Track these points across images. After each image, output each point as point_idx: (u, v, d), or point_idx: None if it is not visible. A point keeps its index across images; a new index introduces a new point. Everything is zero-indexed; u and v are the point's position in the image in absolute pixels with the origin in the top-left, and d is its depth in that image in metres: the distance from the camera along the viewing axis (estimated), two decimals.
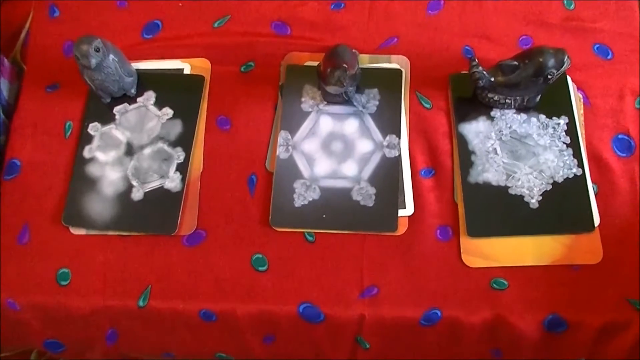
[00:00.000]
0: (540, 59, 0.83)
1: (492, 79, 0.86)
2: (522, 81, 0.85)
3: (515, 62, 0.85)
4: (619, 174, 0.88)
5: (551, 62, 0.83)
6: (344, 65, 0.83)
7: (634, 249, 0.84)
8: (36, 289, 0.84)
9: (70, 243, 0.86)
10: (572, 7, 0.99)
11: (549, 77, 0.84)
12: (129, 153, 0.90)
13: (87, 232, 0.87)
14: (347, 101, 0.91)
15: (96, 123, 0.92)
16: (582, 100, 0.92)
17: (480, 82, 0.86)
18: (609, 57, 0.96)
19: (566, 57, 0.83)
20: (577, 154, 0.88)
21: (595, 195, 0.87)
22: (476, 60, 0.86)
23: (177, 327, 0.85)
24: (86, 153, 0.90)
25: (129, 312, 0.84)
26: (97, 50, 0.84)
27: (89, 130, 0.91)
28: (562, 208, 0.85)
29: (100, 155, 0.90)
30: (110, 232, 0.86)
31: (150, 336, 0.86)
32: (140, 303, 0.83)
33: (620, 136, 0.90)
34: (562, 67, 0.84)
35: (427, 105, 0.93)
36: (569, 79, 0.92)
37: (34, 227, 0.87)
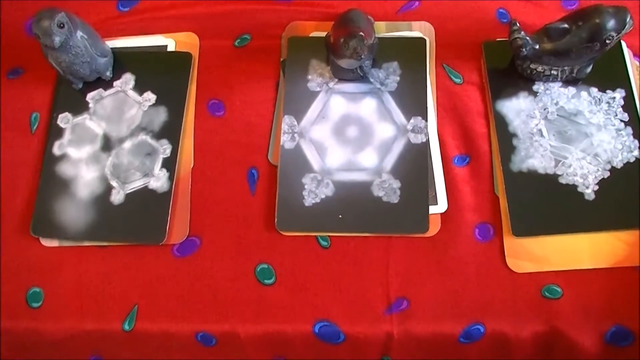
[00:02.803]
0: (597, 20, 0.76)
1: (537, 46, 0.79)
2: (574, 47, 0.78)
3: (566, 25, 0.78)
4: None
5: (611, 23, 0.75)
6: (360, 33, 0.76)
7: None
8: (4, 312, 0.79)
9: (41, 257, 0.81)
10: None
11: (607, 41, 0.76)
12: (106, 148, 0.84)
13: (61, 244, 0.81)
14: (362, 77, 0.85)
15: (67, 113, 0.86)
16: (639, 69, 0.85)
17: (523, 50, 0.79)
18: None
19: (629, 17, 0.75)
20: (637, 134, 0.81)
21: None
22: (517, 24, 0.79)
23: (171, 353, 0.79)
24: (56, 149, 0.85)
25: (113, 337, 0.78)
26: (61, 26, 0.78)
27: (58, 122, 0.86)
28: (622, 199, 0.79)
29: (73, 152, 0.84)
30: (88, 243, 0.81)
31: None
32: (126, 326, 0.77)
33: None
34: (623, 29, 0.76)
35: (457, 80, 0.86)
36: (623, 44, 0.85)
37: None
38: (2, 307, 0.78)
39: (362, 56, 0.77)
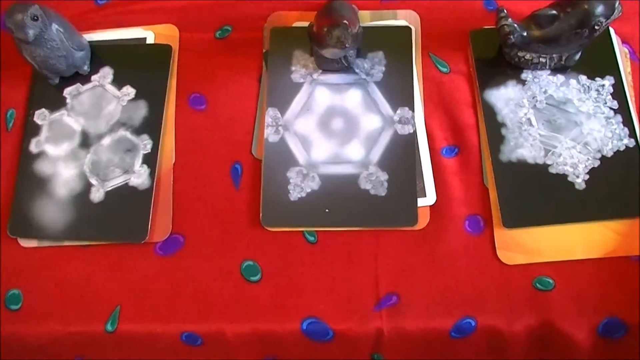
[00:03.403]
0: (586, 6, 0.75)
1: (525, 34, 0.78)
2: (562, 34, 0.77)
3: (554, 11, 0.77)
4: None
5: (599, 8, 0.75)
6: (344, 22, 0.75)
7: None
8: None
9: (19, 258, 0.79)
10: None
11: (596, 27, 0.76)
12: (84, 145, 0.83)
13: (40, 244, 0.80)
14: (347, 68, 0.84)
15: (43, 110, 0.85)
16: (628, 55, 0.85)
17: (511, 37, 0.78)
18: None
19: (617, 3, 0.75)
20: (627, 122, 0.80)
21: None
22: (505, 11, 0.78)
23: (156, 354, 0.77)
24: (33, 147, 0.83)
25: (96, 339, 0.76)
26: (35, 18, 0.77)
27: (35, 119, 0.84)
28: (613, 188, 0.78)
29: (51, 149, 0.83)
30: (68, 243, 0.79)
31: None
32: (109, 327, 0.76)
33: None
34: (612, 14, 0.75)
35: (444, 69, 0.85)
36: (612, 31, 0.84)
37: None
38: None
39: (347, 45, 0.76)
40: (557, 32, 0.77)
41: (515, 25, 0.77)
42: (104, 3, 0.90)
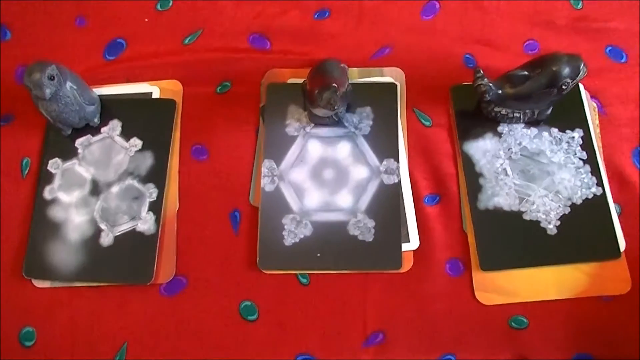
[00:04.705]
0: (554, 68, 0.77)
1: (500, 92, 0.80)
2: (534, 93, 0.79)
3: (526, 72, 0.79)
4: None
5: (566, 70, 0.77)
6: (333, 85, 0.77)
7: None
8: None
9: (33, 297, 0.81)
10: (579, 6, 0.93)
11: (564, 87, 0.78)
12: (94, 192, 0.84)
13: (52, 285, 0.81)
14: (337, 122, 0.85)
15: (57, 159, 0.86)
16: (596, 109, 0.86)
17: (487, 95, 0.80)
18: (623, 60, 0.90)
19: (582, 65, 0.77)
20: (595, 171, 0.82)
21: (619, 216, 0.81)
22: (481, 71, 0.80)
23: None
24: (47, 194, 0.84)
25: None
26: (52, 78, 0.78)
27: (49, 167, 0.86)
28: (583, 233, 0.80)
29: (63, 196, 0.84)
30: (78, 284, 0.81)
31: None
32: None
33: None
34: (578, 75, 0.77)
35: (427, 123, 0.87)
36: (581, 86, 0.86)
37: None
38: None
39: (336, 108, 0.78)
40: (529, 90, 0.78)
41: (491, 84, 0.79)
42: (113, 59, 0.91)
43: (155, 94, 0.90)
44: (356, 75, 0.88)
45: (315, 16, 0.93)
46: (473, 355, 0.77)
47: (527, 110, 0.83)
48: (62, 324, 0.79)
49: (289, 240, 0.80)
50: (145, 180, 0.84)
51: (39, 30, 0.94)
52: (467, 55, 0.90)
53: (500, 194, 0.81)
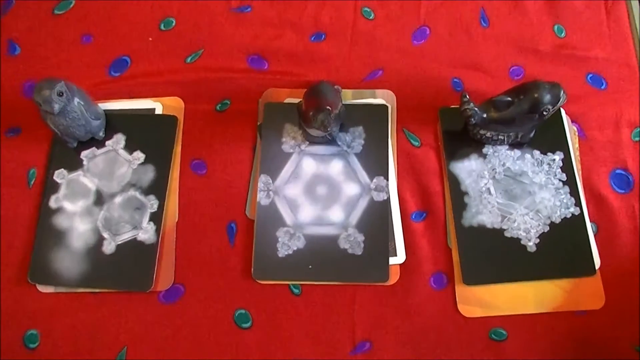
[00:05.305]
0: (536, 95, 0.80)
1: (485, 115, 0.83)
2: (517, 117, 0.82)
3: (509, 98, 0.82)
4: (618, 211, 0.86)
5: (547, 97, 0.80)
6: (327, 107, 0.79)
7: (638, 292, 0.82)
8: (2, 353, 0.80)
9: (38, 302, 0.83)
10: (563, 34, 0.97)
11: (545, 113, 0.81)
12: (98, 202, 0.86)
13: (56, 290, 0.83)
14: (330, 141, 0.88)
15: (62, 170, 0.88)
16: (577, 133, 0.90)
17: (472, 119, 0.83)
18: (603, 87, 0.93)
19: (562, 92, 0.80)
20: (574, 192, 0.86)
21: (595, 235, 0.85)
22: (467, 96, 0.83)
23: None
24: (52, 203, 0.86)
25: None
26: (60, 94, 0.80)
27: (54, 177, 0.88)
28: (561, 251, 0.83)
29: (68, 205, 0.86)
30: (81, 289, 0.83)
31: None
32: None
33: (618, 171, 0.88)
34: (558, 102, 0.81)
35: (416, 143, 0.90)
36: (562, 111, 0.90)
37: None
38: (1, 348, 0.80)
39: (329, 128, 0.80)
40: (512, 115, 0.81)
41: (476, 109, 0.82)
42: (117, 75, 0.93)
43: (158, 110, 0.92)
44: (350, 97, 0.91)
45: (311, 39, 0.96)
46: None
47: (511, 133, 0.86)
48: (65, 328, 0.81)
49: (282, 252, 0.83)
50: (147, 192, 0.86)
51: (46, 47, 0.96)
52: (455, 79, 0.93)
53: (484, 212, 0.84)
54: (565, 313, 0.81)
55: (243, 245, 0.84)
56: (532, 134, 0.87)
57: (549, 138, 0.88)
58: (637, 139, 0.90)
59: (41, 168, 0.89)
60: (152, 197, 0.86)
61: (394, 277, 0.82)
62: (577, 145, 0.89)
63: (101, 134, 0.89)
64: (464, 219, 0.84)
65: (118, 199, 0.86)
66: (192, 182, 0.88)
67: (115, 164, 0.88)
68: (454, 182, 0.86)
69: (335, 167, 0.87)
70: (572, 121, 0.90)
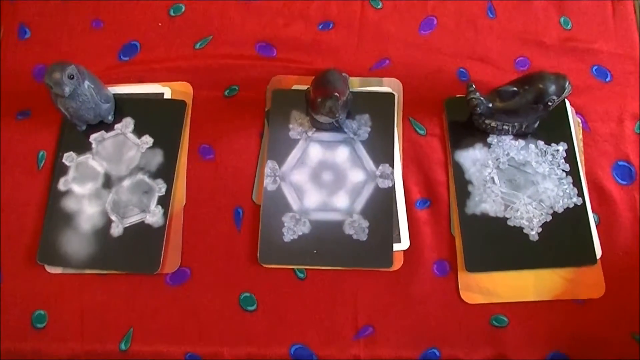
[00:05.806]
0: (541, 85, 0.81)
1: (490, 105, 0.84)
2: (521, 107, 0.83)
3: (514, 88, 0.83)
4: (620, 203, 0.87)
5: (552, 88, 0.81)
6: (335, 94, 0.80)
7: (637, 282, 0.83)
8: (11, 333, 0.81)
9: (46, 283, 0.83)
10: (569, 26, 0.97)
11: (549, 103, 0.82)
12: (107, 185, 0.87)
13: (64, 271, 0.84)
14: (337, 128, 0.89)
15: (71, 153, 0.89)
16: (581, 125, 0.91)
17: (478, 109, 0.83)
18: (607, 79, 0.94)
19: (567, 83, 0.81)
20: (576, 183, 0.86)
21: (597, 225, 0.85)
22: (473, 85, 0.84)
23: None
24: (61, 186, 0.87)
25: (111, 357, 0.81)
26: (71, 77, 0.81)
27: (63, 160, 0.88)
28: (562, 240, 0.84)
29: (77, 188, 0.87)
30: (89, 271, 0.84)
31: None
32: (122, 346, 0.81)
33: (620, 163, 0.89)
34: (562, 93, 0.81)
35: (421, 132, 0.91)
36: (567, 103, 0.90)
37: (7, 267, 0.84)
38: (10, 327, 0.81)
39: (336, 115, 0.81)
40: (517, 105, 0.82)
41: (482, 98, 0.82)
42: (127, 60, 0.94)
43: (167, 95, 0.92)
44: (357, 85, 0.92)
45: (320, 27, 0.97)
46: (456, 350, 0.80)
47: (516, 123, 0.87)
48: (72, 309, 0.82)
49: (288, 237, 0.84)
50: (155, 175, 0.87)
51: (57, 31, 0.97)
52: (461, 69, 0.94)
53: (487, 201, 0.85)
54: (566, 301, 0.82)
55: (249, 229, 0.85)
56: (536, 125, 0.88)
57: (553, 129, 0.89)
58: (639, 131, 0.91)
59: (50, 151, 0.90)
60: (160, 180, 0.87)
61: (397, 264, 0.83)
62: (580, 136, 0.89)
63: (110, 117, 0.90)
64: (468, 208, 0.85)
65: (126, 182, 0.87)
66: (199, 166, 0.88)
67: (124, 147, 0.89)
68: (459, 170, 0.87)
69: (341, 154, 0.88)
70: (577, 112, 0.91)
